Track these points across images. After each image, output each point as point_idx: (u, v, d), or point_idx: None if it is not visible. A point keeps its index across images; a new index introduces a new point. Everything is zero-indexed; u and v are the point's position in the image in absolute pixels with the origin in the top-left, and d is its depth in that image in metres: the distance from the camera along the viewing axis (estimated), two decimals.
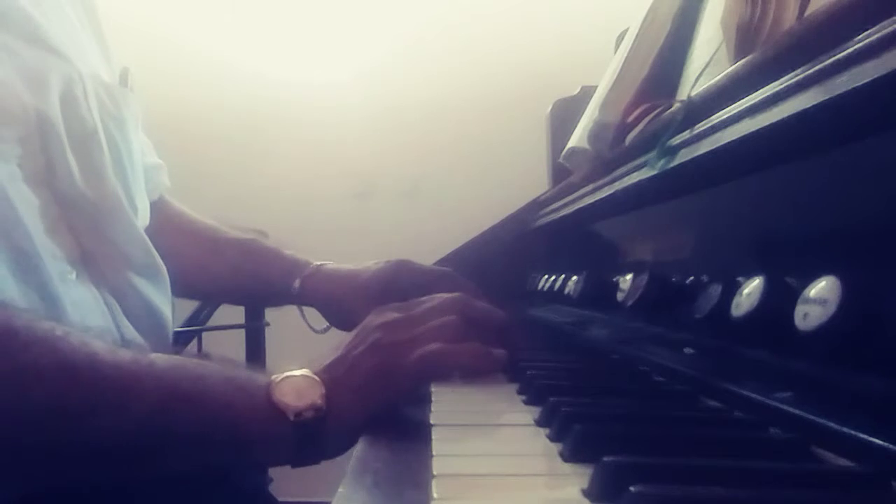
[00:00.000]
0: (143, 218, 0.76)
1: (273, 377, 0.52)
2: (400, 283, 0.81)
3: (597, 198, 0.84)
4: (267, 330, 1.71)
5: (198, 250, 0.91)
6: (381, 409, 0.53)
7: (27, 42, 0.58)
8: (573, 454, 0.36)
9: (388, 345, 0.55)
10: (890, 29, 0.34)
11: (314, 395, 0.51)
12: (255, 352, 1.70)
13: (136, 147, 0.72)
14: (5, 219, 0.57)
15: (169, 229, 0.87)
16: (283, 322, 1.26)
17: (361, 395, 0.53)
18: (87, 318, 0.63)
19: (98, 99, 0.65)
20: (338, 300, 0.84)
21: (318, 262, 0.89)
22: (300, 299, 0.89)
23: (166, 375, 0.49)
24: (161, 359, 0.50)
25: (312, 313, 0.90)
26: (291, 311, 0.94)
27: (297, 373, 0.52)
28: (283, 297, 0.90)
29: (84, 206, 0.66)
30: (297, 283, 0.86)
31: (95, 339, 0.49)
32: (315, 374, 0.53)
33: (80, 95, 0.62)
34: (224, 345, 1.58)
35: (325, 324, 0.89)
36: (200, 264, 0.90)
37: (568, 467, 0.36)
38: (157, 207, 0.86)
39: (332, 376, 0.53)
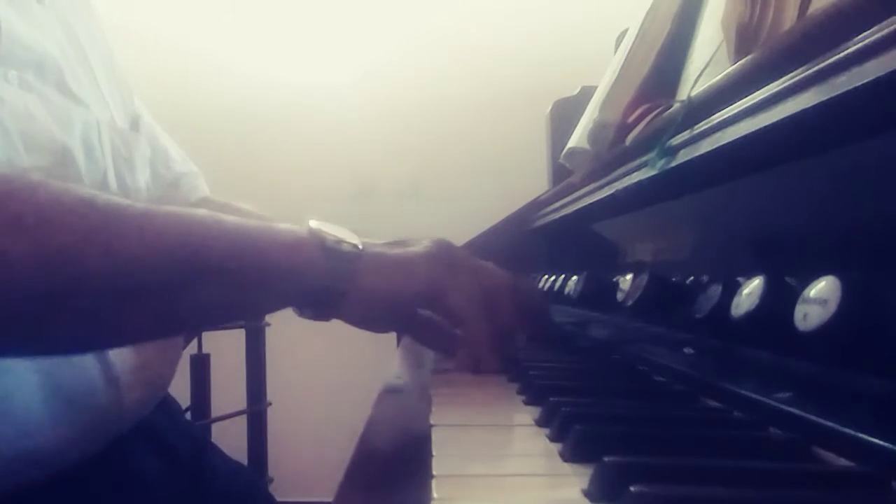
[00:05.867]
0: None
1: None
2: None
3: (597, 198, 0.84)
4: (267, 330, 1.71)
5: None
6: (401, 306, 0.57)
7: (56, 90, 0.62)
8: (573, 454, 0.36)
9: (445, 257, 0.59)
10: (890, 29, 0.34)
11: (352, 237, 0.55)
12: (255, 351, 1.70)
13: (143, 188, 0.74)
14: None
15: None
16: (283, 322, 1.26)
17: (395, 272, 0.56)
18: None
19: (112, 144, 0.68)
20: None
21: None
22: None
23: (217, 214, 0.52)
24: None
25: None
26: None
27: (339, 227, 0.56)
28: None
29: None
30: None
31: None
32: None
33: (95, 140, 0.65)
34: (224, 344, 1.58)
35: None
36: None
37: (568, 467, 0.36)
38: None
39: (373, 244, 0.57)
